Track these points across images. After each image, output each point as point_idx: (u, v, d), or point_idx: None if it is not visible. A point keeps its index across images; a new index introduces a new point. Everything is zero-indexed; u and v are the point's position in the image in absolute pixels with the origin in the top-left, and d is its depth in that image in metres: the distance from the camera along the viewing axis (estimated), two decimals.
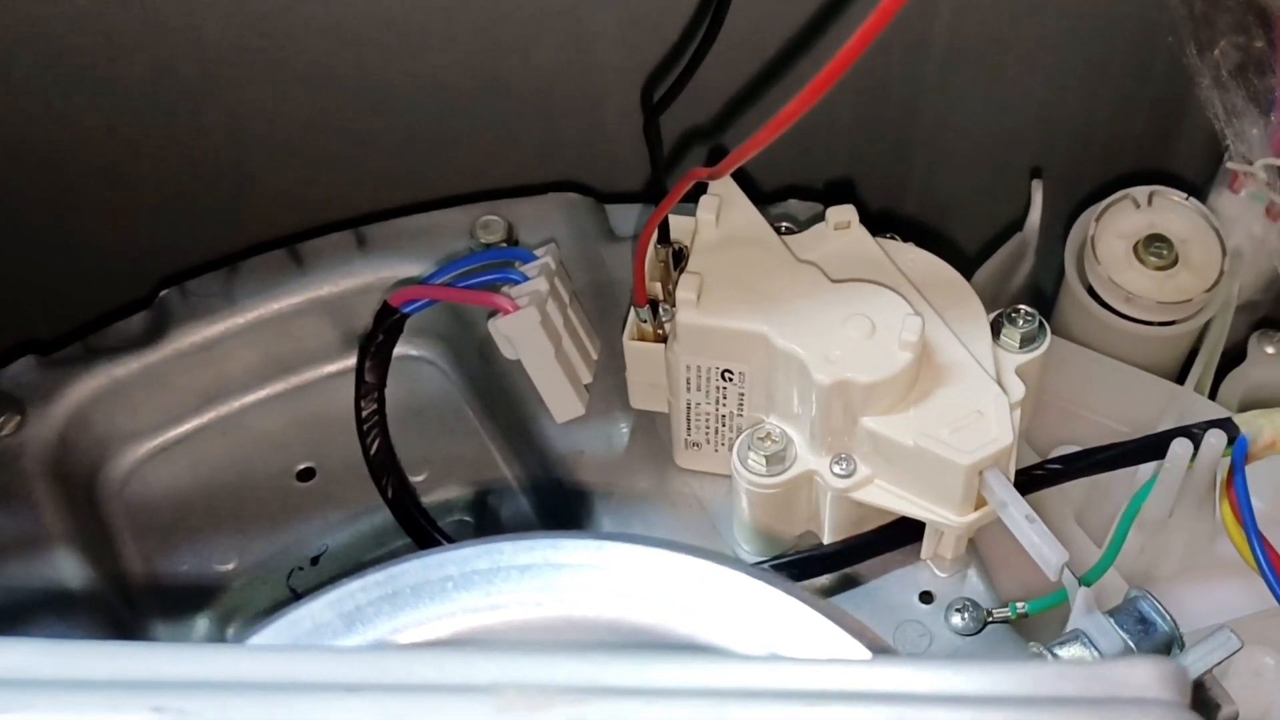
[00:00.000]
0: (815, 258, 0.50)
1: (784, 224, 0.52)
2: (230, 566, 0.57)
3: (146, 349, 0.57)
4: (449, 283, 0.55)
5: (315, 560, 0.57)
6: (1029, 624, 0.49)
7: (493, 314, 0.52)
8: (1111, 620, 0.45)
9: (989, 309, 0.50)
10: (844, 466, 0.48)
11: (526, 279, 0.53)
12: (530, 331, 0.52)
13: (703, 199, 0.51)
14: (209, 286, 0.59)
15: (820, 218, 0.52)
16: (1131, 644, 0.44)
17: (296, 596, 0.56)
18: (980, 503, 0.47)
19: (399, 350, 0.55)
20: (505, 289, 0.53)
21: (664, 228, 0.50)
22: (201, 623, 0.56)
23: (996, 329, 0.49)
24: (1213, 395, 0.61)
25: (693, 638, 0.33)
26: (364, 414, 0.54)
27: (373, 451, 0.54)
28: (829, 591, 0.51)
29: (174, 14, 0.56)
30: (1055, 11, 0.63)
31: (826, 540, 0.51)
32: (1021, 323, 0.49)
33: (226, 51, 0.58)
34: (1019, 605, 0.49)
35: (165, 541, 0.57)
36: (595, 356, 0.56)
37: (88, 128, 0.59)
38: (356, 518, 0.58)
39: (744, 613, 0.33)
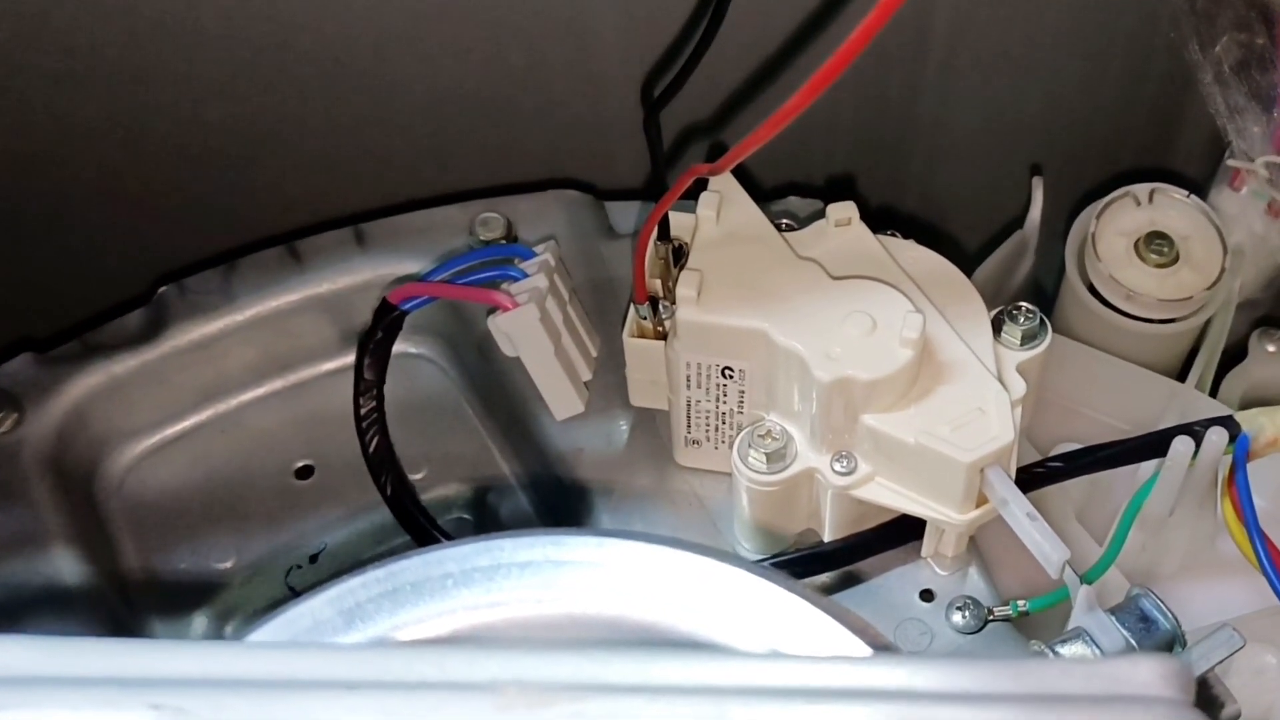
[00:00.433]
0: (816, 255, 0.50)
1: (784, 221, 0.52)
2: (228, 564, 0.57)
3: (144, 346, 0.57)
4: (448, 280, 0.55)
5: (314, 558, 0.57)
6: (1030, 622, 0.49)
7: (492, 311, 0.52)
8: (1113, 618, 0.45)
9: (990, 306, 0.49)
10: (844, 464, 0.48)
11: (526, 276, 0.53)
12: (530, 328, 0.52)
13: (703, 195, 0.51)
14: (207, 284, 0.58)
15: (821, 214, 0.51)
16: (1133, 642, 0.44)
17: (295, 594, 0.56)
18: (981, 500, 0.47)
19: (398, 347, 0.55)
20: (505, 286, 0.53)
21: (664, 224, 0.50)
22: (199, 621, 0.56)
23: (997, 326, 0.49)
24: (1214, 393, 0.61)
25: (693, 635, 0.33)
26: (363, 411, 0.54)
27: (371, 449, 0.54)
28: (830, 589, 0.51)
29: (173, 11, 0.56)
30: (1056, 7, 0.63)
31: (827, 538, 0.51)
32: (1022, 320, 0.49)
33: (225, 48, 0.58)
34: (1020, 603, 0.49)
35: (163, 539, 0.57)
36: (595, 354, 0.56)
37: (85, 124, 0.59)
38: (355, 515, 0.58)
39: (745, 610, 0.33)
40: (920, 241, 0.51)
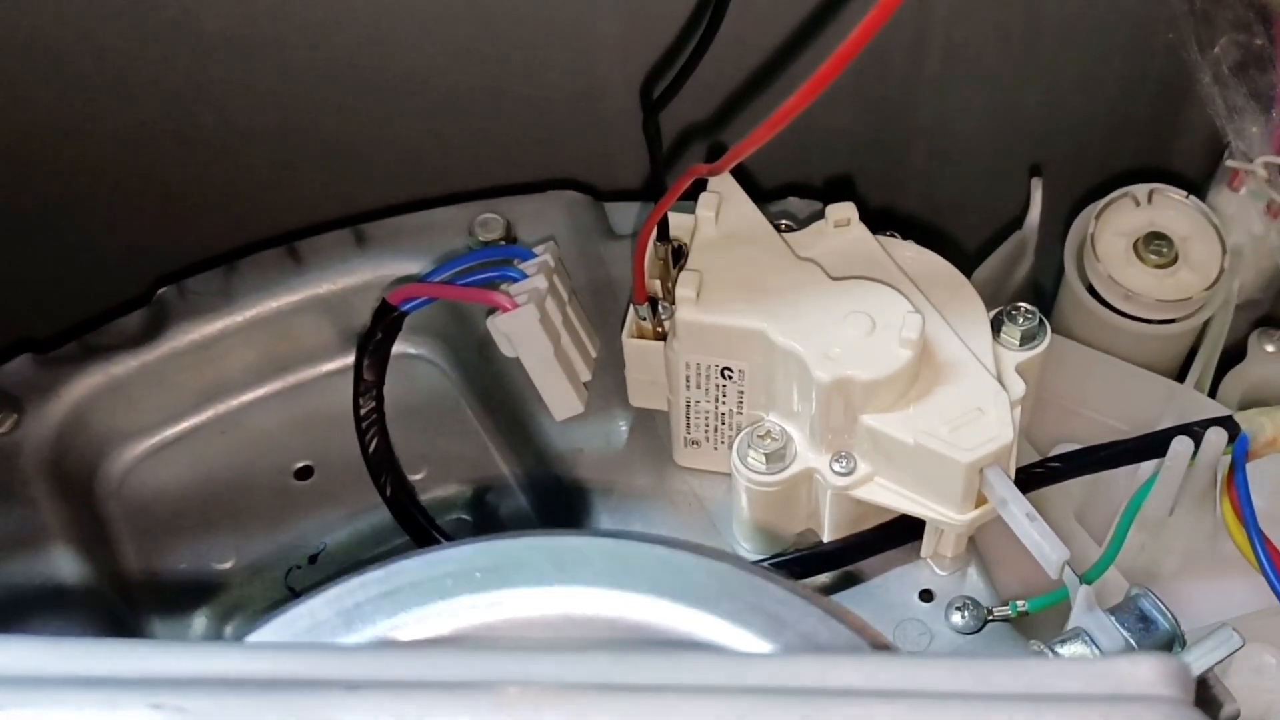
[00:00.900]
0: (815, 255, 0.50)
1: (783, 221, 0.52)
2: (228, 565, 0.57)
3: (144, 347, 0.57)
4: (448, 280, 0.55)
5: (313, 559, 0.57)
6: (1029, 622, 0.49)
7: (491, 312, 0.52)
8: (1112, 618, 0.45)
9: (989, 306, 0.49)
10: (844, 464, 0.48)
11: (525, 277, 0.53)
12: (529, 329, 0.52)
13: (702, 196, 0.51)
14: (207, 284, 0.58)
15: (820, 215, 0.52)
16: (1132, 642, 0.44)
17: (295, 595, 0.56)
18: (980, 500, 0.47)
19: (397, 348, 0.55)
20: (504, 287, 0.53)
21: (663, 225, 0.50)
22: (199, 621, 0.56)
23: (997, 327, 0.49)
24: (1213, 393, 0.61)
25: (693, 635, 0.33)
26: (362, 412, 0.54)
27: (371, 450, 0.54)
28: (829, 589, 0.51)
29: (172, 11, 0.56)
30: (1055, 7, 0.63)
31: (826, 538, 0.51)
32: (1022, 320, 0.49)
33: (225, 49, 0.58)
34: (1019, 603, 0.49)
35: (163, 540, 0.57)
36: (594, 354, 0.56)
37: (84, 125, 0.59)
38: (355, 516, 0.58)
39: (744, 610, 0.33)
40: (919, 242, 0.51)
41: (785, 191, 0.61)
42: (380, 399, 0.54)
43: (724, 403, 0.50)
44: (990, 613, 0.49)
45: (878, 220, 0.52)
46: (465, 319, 0.58)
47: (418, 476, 0.58)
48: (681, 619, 0.33)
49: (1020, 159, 0.67)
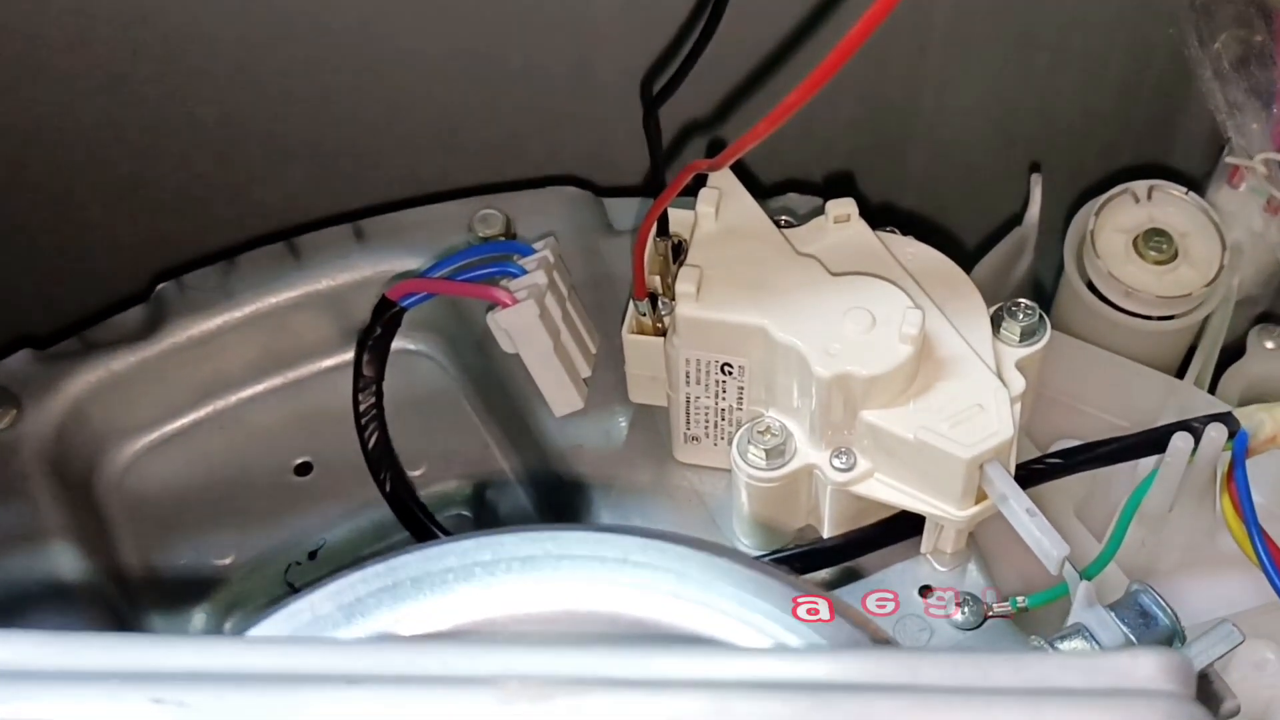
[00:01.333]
0: (815, 251, 0.50)
1: (783, 217, 0.52)
2: (228, 561, 0.57)
3: (143, 343, 0.57)
4: (447, 276, 0.55)
5: (313, 555, 0.57)
6: (1029, 618, 0.49)
7: (491, 307, 0.52)
8: (1112, 614, 0.44)
9: (989, 303, 0.49)
10: (844, 460, 0.48)
11: (525, 272, 0.53)
12: (529, 325, 0.52)
13: (702, 192, 0.51)
14: (206, 280, 0.58)
15: (820, 211, 0.51)
16: (1132, 638, 0.44)
17: (294, 591, 0.56)
18: (981, 496, 0.47)
19: (397, 344, 0.55)
20: (504, 282, 0.53)
21: (663, 221, 0.50)
22: (199, 617, 0.56)
23: (996, 323, 0.49)
24: (1213, 390, 0.60)
25: (693, 630, 0.33)
26: (362, 408, 0.54)
27: (370, 445, 0.54)
28: (830, 585, 0.51)
29: (171, 9, 0.56)
30: (1055, 3, 0.63)
31: (826, 534, 0.51)
32: (1022, 316, 0.49)
33: (223, 45, 0.58)
34: (1019, 599, 0.49)
35: (163, 536, 0.57)
36: (594, 350, 0.56)
37: (84, 122, 0.59)
38: (354, 512, 0.58)
39: (744, 605, 0.33)
40: (919, 238, 0.51)
41: (785, 187, 0.61)
42: (380, 395, 0.54)
43: (724, 398, 0.50)
44: (990, 608, 0.49)
45: (878, 216, 0.52)
46: (465, 315, 0.58)
47: (417, 472, 0.58)
48: (682, 614, 0.33)
49: (1020, 155, 0.67)
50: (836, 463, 0.48)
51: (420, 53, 0.60)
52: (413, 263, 0.58)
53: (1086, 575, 0.47)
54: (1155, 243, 0.59)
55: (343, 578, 0.34)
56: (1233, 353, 0.62)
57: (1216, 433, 0.48)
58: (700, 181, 0.51)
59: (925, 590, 0.50)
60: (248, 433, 0.59)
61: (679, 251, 0.51)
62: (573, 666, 0.27)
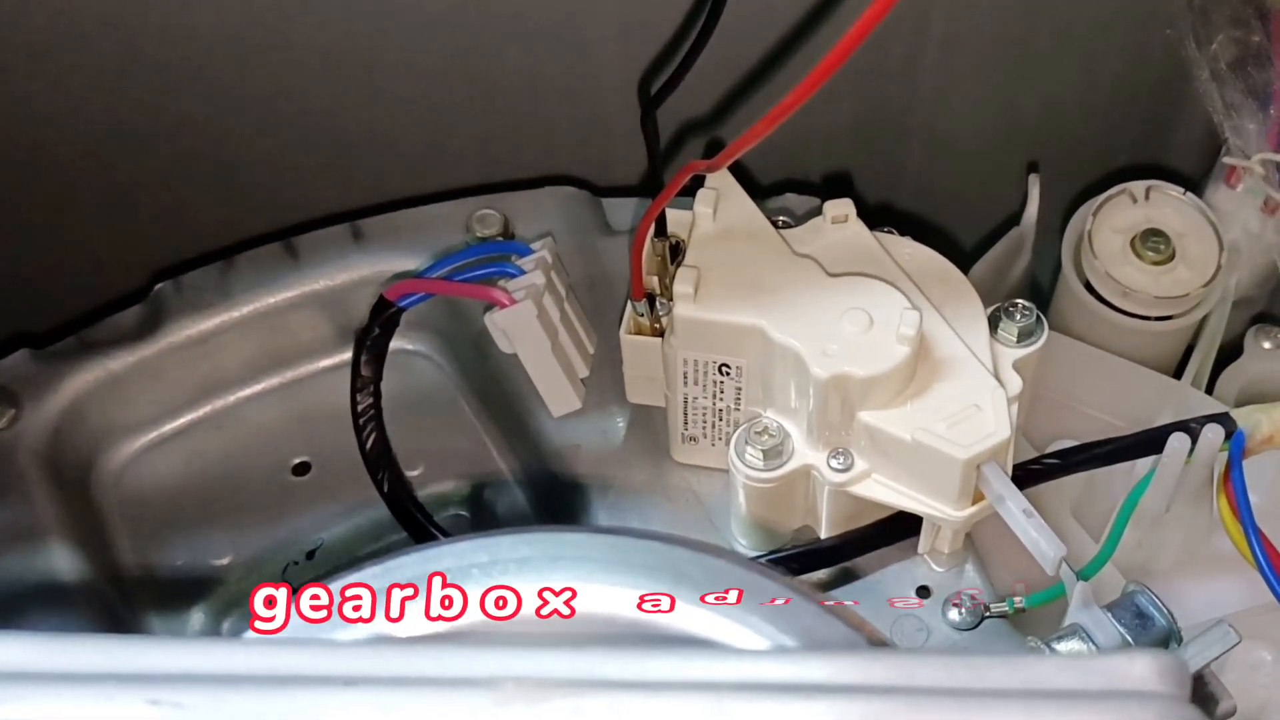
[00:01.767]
0: (812, 251, 0.50)
1: (781, 218, 0.52)
2: (225, 561, 0.57)
3: (141, 343, 0.57)
4: (445, 276, 0.55)
5: (311, 555, 0.57)
6: (1026, 618, 0.49)
7: (489, 308, 0.52)
8: (1109, 615, 0.45)
9: (986, 303, 0.49)
10: (841, 461, 0.48)
11: (523, 273, 0.53)
12: (527, 325, 0.52)
13: (700, 192, 0.51)
14: (204, 280, 0.58)
15: (817, 211, 0.51)
16: (1129, 638, 0.44)
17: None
18: (978, 497, 0.47)
19: (395, 344, 0.55)
20: (502, 283, 0.53)
21: (661, 221, 0.50)
22: (196, 617, 0.56)
23: (994, 323, 0.49)
24: (1210, 390, 0.61)
25: (690, 631, 0.33)
26: (360, 408, 0.54)
27: (368, 445, 0.54)
28: (827, 585, 0.51)
29: (169, 8, 0.56)
30: (1052, 4, 0.63)
31: (823, 534, 0.51)
32: (1019, 317, 0.49)
33: (222, 45, 0.58)
34: (1016, 600, 0.49)
35: (160, 535, 0.57)
36: (592, 350, 0.56)
37: (81, 121, 0.59)
38: (352, 512, 0.58)
39: (742, 606, 0.33)
40: (917, 238, 0.51)
41: (783, 188, 0.61)
42: (378, 395, 0.54)
43: (721, 399, 0.50)
44: (987, 609, 0.49)
45: (875, 217, 0.52)
46: (463, 315, 0.58)
47: (415, 472, 0.58)
48: (680, 615, 0.33)
49: (1017, 155, 0.67)
50: (834, 463, 0.48)
51: (419, 53, 0.60)
52: (411, 263, 0.58)
53: (1083, 576, 0.47)
54: (1153, 243, 0.59)
55: (339, 579, 0.34)
56: (1230, 353, 0.62)
57: (1213, 433, 0.48)
58: (698, 182, 0.51)
59: (922, 590, 0.50)
60: (246, 432, 0.59)
61: (677, 252, 0.51)
62: (569, 668, 0.27)
